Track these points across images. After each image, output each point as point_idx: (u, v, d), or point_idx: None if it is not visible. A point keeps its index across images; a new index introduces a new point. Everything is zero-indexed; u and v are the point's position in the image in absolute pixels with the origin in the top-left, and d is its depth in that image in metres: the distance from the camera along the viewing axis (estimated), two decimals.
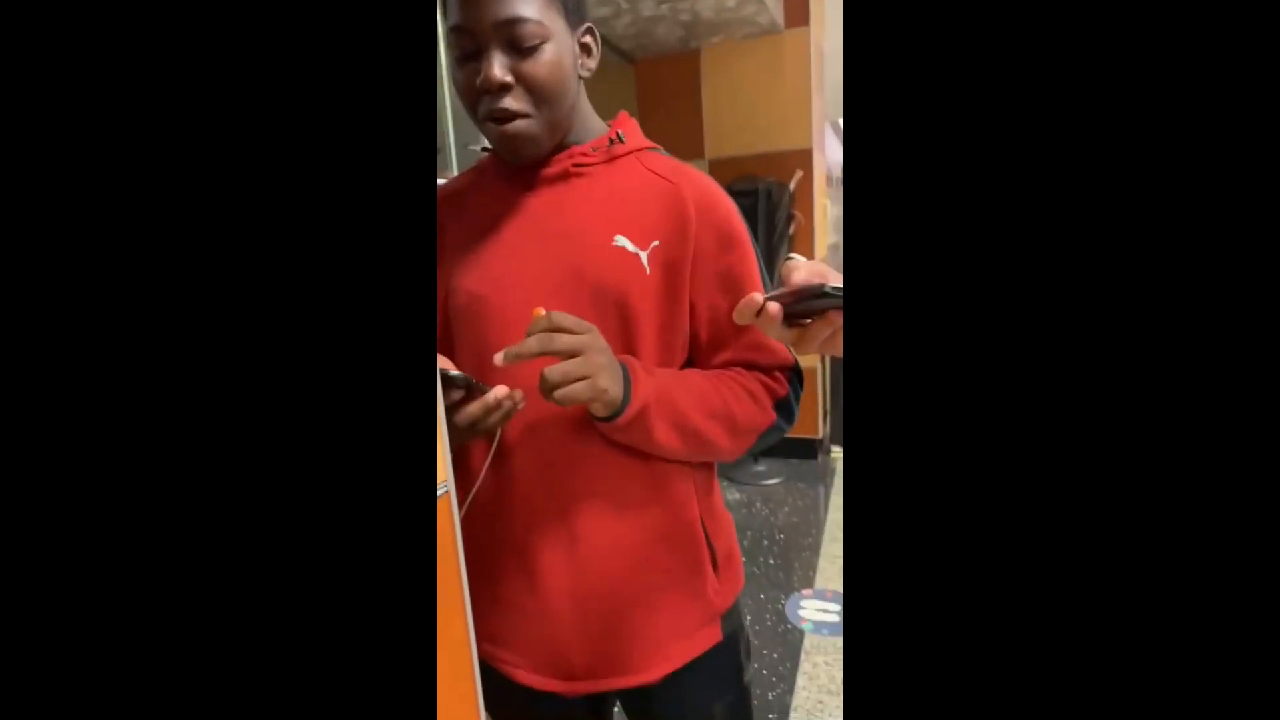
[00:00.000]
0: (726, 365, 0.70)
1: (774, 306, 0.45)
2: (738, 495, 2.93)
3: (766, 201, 2.95)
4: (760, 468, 3.10)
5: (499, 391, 0.59)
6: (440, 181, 0.77)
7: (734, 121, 3.10)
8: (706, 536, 0.70)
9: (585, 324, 0.58)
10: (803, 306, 0.45)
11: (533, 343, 0.54)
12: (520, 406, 0.61)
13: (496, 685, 0.66)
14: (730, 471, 3.10)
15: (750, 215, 3.00)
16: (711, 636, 0.70)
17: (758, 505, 2.82)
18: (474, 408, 0.58)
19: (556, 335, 0.55)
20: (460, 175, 0.76)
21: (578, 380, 0.55)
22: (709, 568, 0.70)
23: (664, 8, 2.57)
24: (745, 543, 2.48)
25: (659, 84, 3.19)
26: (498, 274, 0.66)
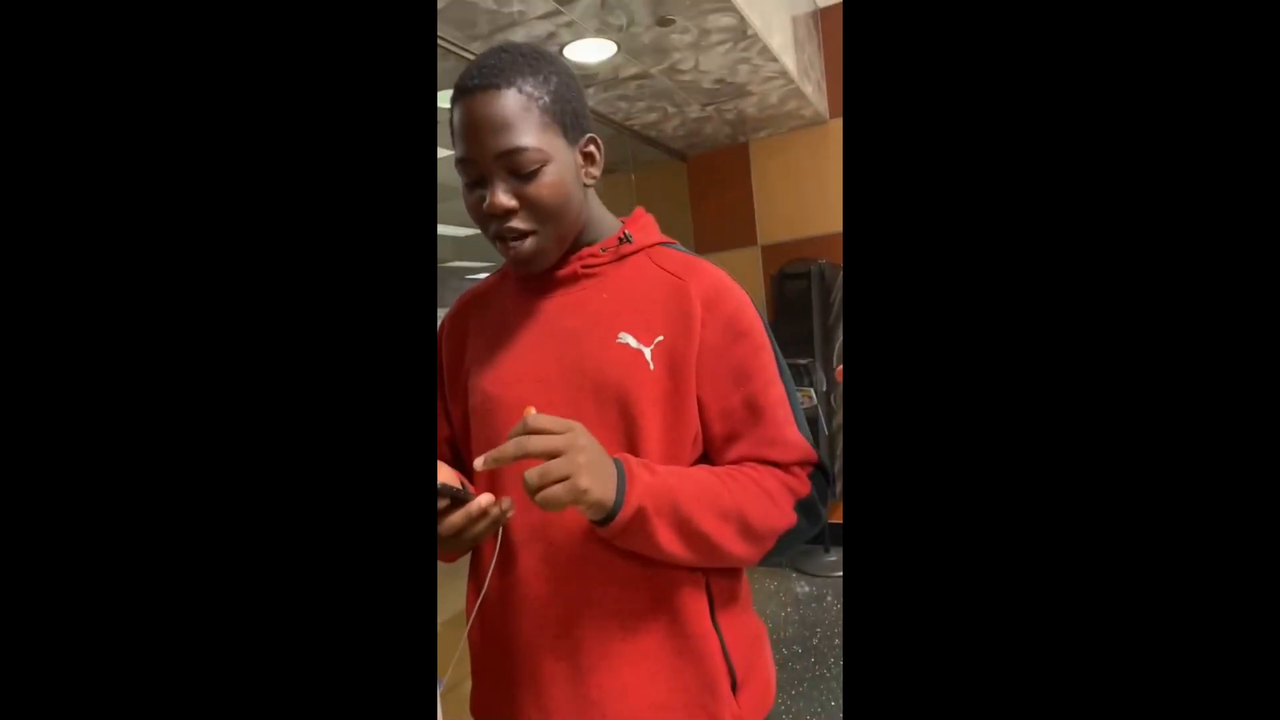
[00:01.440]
0: (741, 461, 0.67)
1: None
2: (807, 589, 2.76)
3: (820, 282, 2.95)
4: (832, 558, 2.93)
5: (482, 500, 0.58)
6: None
7: (784, 208, 3.17)
8: (725, 652, 0.66)
9: (566, 423, 0.57)
10: None
11: (510, 446, 0.54)
12: (509, 514, 0.60)
13: None
14: (800, 563, 2.94)
15: (804, 297, 3.00)
16: None
17: (829, 599, 2.64)
18: (457, 517, 0.58)
19: (532, 438, 0.54)
20: (486, 278, 0.81)
21: (557, 482, 0.54)
22: (725, 688, 0.65)
23: (709, 109, 2.72)
24: (815, 640, 2.31)
25: (711, 177, 3.32)
26: (508, 374, 0.69)
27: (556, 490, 0.54)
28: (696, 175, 3.37)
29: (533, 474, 0.54)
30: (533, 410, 0.57)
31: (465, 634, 0.71)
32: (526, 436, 0.55)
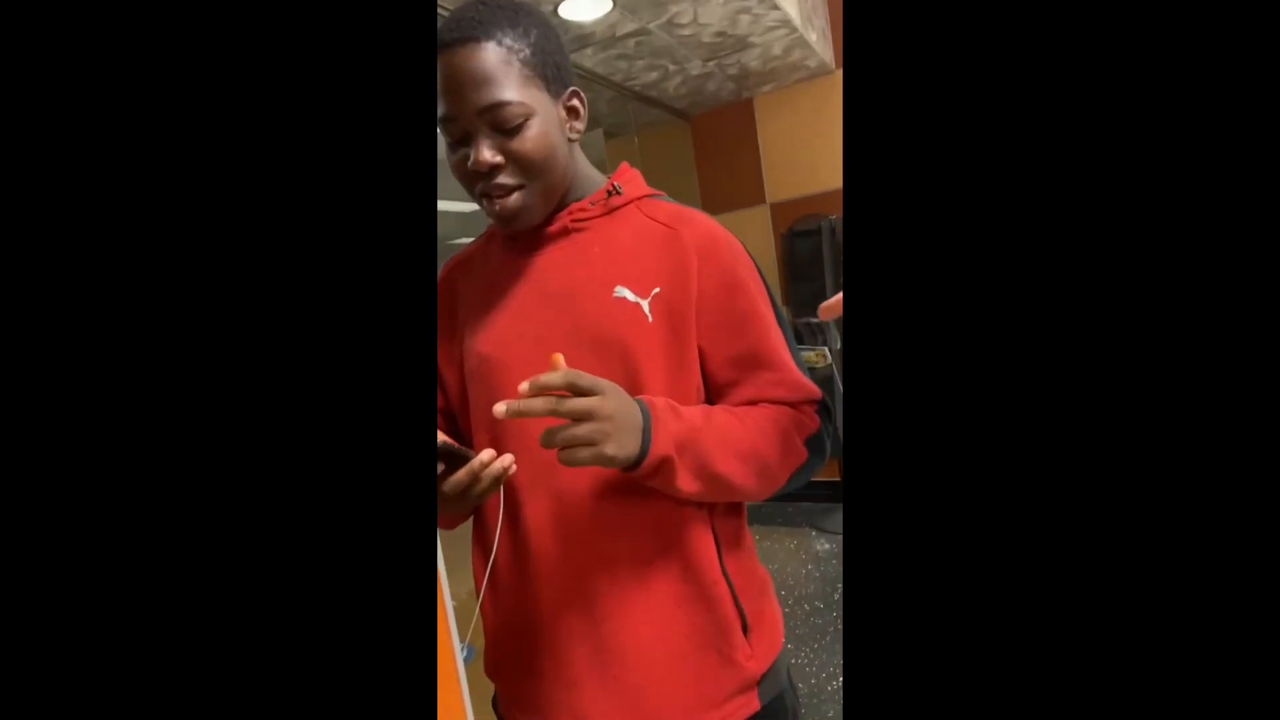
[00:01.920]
0: (750, 404, 0.67)
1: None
2: (827, 546, 2.78)
3: (831, 238, 2.90)
4: None
5: (483, 456, 0.58)
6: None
7: (792, 164, 3.10)
8: (734, 596, 0.66)
9: (604, 384, 0.56)
10: None
11: (538, 403, 0.53)
12: (510, 470, 0.60)
13: None
14: (818, 521, 2.96)
15: (816, 254, 2.95)
16: (747, 706, 0.66)
17: None
18: (460, 474, 0.58)
19: (569, 400, 0.54)
20: (471, 242, 0.80)
21: (584, 445, 0.54)
22: (737, 631, 0.66)
23: (711, 65, 2.64)
24: (835, 596, 2.34)
25: (715, 136, 3.25)
26: (503, 335, 0.68)
27: (581, 454, 0.54)
28: (701, 135, 3.30)
29: (559, 437, 0.53)
30: (561, 359, 0.55)
31: (479, 599, 0.71)
32: (562, 400, 0.54)
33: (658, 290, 0.65)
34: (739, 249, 0.69)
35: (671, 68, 2.61)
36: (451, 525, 0.73)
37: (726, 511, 0.69)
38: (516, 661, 0.69)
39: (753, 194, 3.20)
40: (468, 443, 0.71)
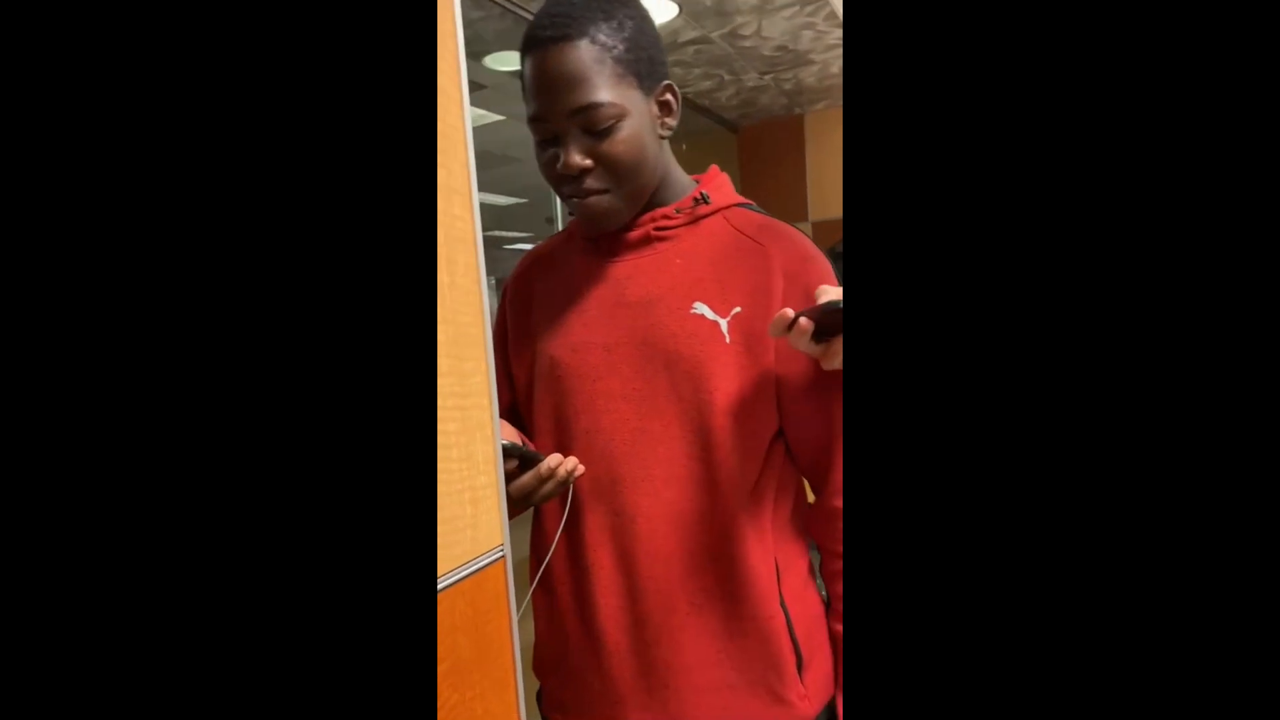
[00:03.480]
0: (823, 434, 0.66)
1: (804, 321, 0.50)
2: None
3: None
4: None
5: (551, 461, 0.58)
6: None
7: (838, 183, 3.07)
8: (790, 631, 0.64)
9: None
10: (829, 321, 0.50)
11: None
12: (576, 475, 0.60)
13: None
14: None
15: None
16: None
17: None
18: (527, 478, 0.58)
19: None
20: (552, 236, 0.79)
21: None
22: (791, 668, 0.64)
23: (767, 78, 2.63)
24: None
25: (762, 149, 3.23)
26: (576, 340, 0.67)
27: None
28: (748, 146, 3.28)
29: None
30: None
31: (528, 595, 0.70)
32: None
33: (738, 310, 0.63)
34: (828, 270, 0.66)
35: (727, 77, 2.59)
36: (510, 516, 0.72)
37: (791, 536, 0.67)
38: (564, 667, 0.67)
39: (796, 210, 3.17)
40: (531, 437, 0.71)
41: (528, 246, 0.85)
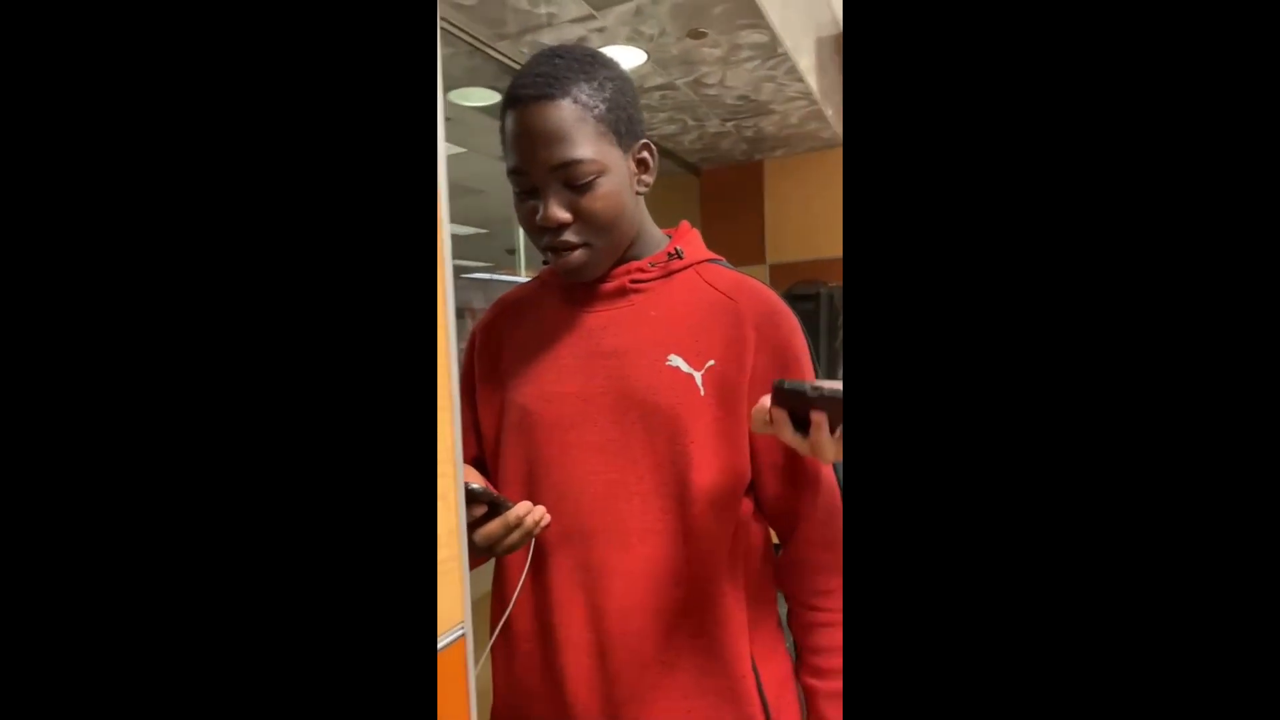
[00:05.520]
0: (791, 486, 0.66)
1: (778, 412, 0.50)
2: None
3: (829, 306, 2.94)
4: None
5: (520, 509, 0.57)
6: (516, 281, 0.80)
7: (795, 228, 3.16)
8: (760, 690, 0.63)
9: None
10: (801, 408, 0.50)
11: None
12: (544, 525, 0.59)
13: None
14: None
15: (812, 318, 2.98)
16: None
17: None
18: (494, 525, 0.57)
19: None
20: (522, 285, 0.78)
21: None
22: None
23: (729, 125, 2.70)
24: None
25: (722, 192, 3.31)
26: (548, 390, 0.66)
27: None
28: (709, 189, 3.35)
29: None
30: None
31: (487, 647, 0.67)
32: None
33: (712, 363, 0.64)
34: (794, 323, 0.68)
35: (691, 123, 2.66)
36: (472, 566, 0.69)
37: (761, 588, 0.67)
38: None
39: (754, 252, 3.24)
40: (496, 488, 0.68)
41: (487, 277, 0.84)
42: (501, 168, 0.65)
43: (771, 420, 0.50)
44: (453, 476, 0.44)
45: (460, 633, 0.43)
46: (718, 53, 2.02)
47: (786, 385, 0.49)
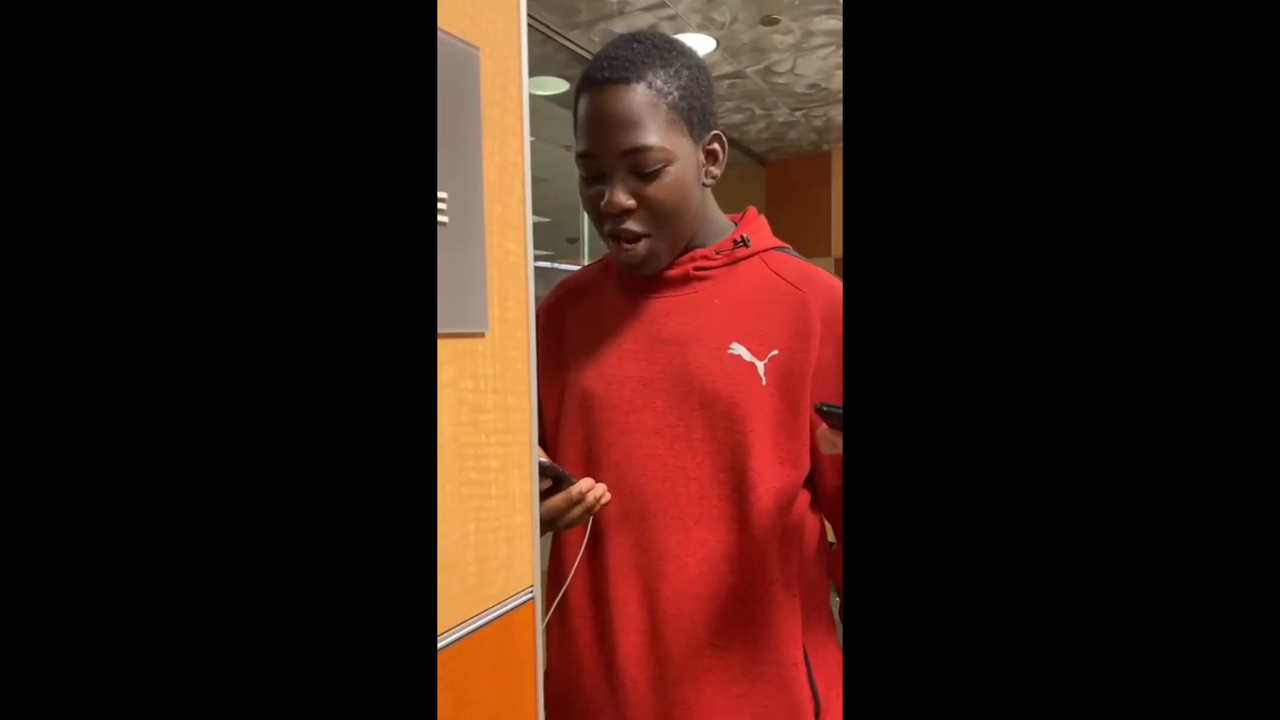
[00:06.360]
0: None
1: (832, 433, 0.54)
2: None
3: None
4: None
5: (583, 484, 0.58)
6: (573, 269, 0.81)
7: None
8: (810, 679, 0.63)
9: None
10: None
11: None
12: (604, 503, 0.60)
13: None
14: None
15: None
16: None
17: None
18: (557, 499, 0.58)
19: None
20: (587, 267, 0.79)
21: None
22: (809, 715, 0.62)
23: (798, 114, 2.65)
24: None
25: (789, 183, 3.25)
26: (609, 374, 0.67)
27: None
28: (774, 180, 3.30)
29: None
30: None
31: (544, 621, 0.69)
32: None
33: (775, 353, 0.63)
34: None
35: (759, 112, 2.62)
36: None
37: (816, 579, 0.66)
38: (576, 702, 0.66)
39: (820, 245, 3.17)
40: None
41: (549, 265, 0.85)
42: (567, 157, 0.65)
43: (832, 443, 0.54)
44: (528, 445, 0.45)
45: (530, 595, 0.45)
46: (790, 39, 1.98)
47: (825, 408, 0.52)
